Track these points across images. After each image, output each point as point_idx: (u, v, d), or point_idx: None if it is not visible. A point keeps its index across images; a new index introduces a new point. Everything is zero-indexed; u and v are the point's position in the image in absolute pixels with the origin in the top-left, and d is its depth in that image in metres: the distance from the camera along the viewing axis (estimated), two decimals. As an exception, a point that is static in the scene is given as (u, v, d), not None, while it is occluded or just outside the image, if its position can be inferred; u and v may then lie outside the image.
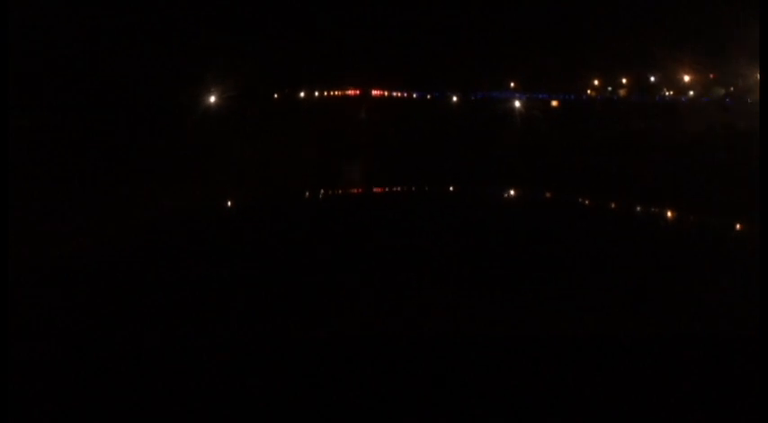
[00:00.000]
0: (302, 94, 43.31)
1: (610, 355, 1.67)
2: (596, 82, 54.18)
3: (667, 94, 47.09)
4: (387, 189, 5.54)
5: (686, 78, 45.06)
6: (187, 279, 2.25)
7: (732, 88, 40.81)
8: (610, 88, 53.76)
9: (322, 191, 5.10)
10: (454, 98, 45.76)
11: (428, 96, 49.79)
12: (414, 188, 5.40)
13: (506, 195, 4.72)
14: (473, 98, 46.33)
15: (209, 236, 3.06)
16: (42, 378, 1.55)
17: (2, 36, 2.94)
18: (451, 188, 5.38)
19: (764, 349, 1.59)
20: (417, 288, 2.15)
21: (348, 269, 2.39)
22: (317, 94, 45.64)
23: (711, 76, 44.51)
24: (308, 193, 4.80)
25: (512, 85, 48.78)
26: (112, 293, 2.13)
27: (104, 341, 1.76)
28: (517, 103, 37.59)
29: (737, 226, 3.26)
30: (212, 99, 27.93)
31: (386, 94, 50.82)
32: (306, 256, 2.57)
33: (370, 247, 2.73)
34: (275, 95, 39.99)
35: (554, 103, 44.12)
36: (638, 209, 4.05)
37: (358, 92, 47.67)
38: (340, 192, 5.58)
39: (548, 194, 5.00)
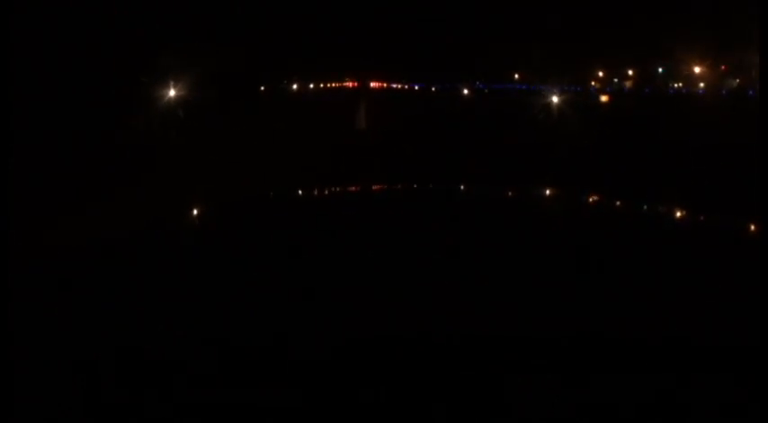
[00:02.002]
0: (295, 87, 40.89)
1: (611, 355, 1.67)
2: (600, 73, 53.44)
3: (676, 86, 45.95)
4: (389, 187, 5.27)
5: (696, 69, 44.14)
6: (188, 279, 2.28)
7: (738, 80, 39.85)
8: (615, 80, 52.78)
9: (317, 192, 4.97)
10: (465, 91, 44.16)
11: (432, 88, 48.11)
12: (415, 187, 5.18)
13: (511, 194, 4.56)
14: (483, 89, 44.86)
15: (216, 236, 3.06)
16: (42, 377, 1.56)
17: (2, 36, 3.01)
18: (461, 187, 5.14)
19: (765, 350, 1.59)
20: (418, 289, 2.14)
21: (352, 270, 2.36)
22: (311, 85, 43.47)
23: (723, 67, 43.64)
24: (305, 196, 4.65)
25: (516, 76, 47.57)
26: (112, 294, 2.12)
27: (104, 341, 1.76)
28: (554, 98, 33.39)
29: (743, 227, 3.17)
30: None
31: (385, 85, 49.30)
32: (311, 258, 2.52)
33: (373, 247, 2.70)
34: (261, 88, 37.45)
35: (603, 98, 41.14)
36: (646, 209, 3.96)
37: (356, 84, 46.03)
38: (338, 190, 5.28)
39: (557, 195, 4.74)
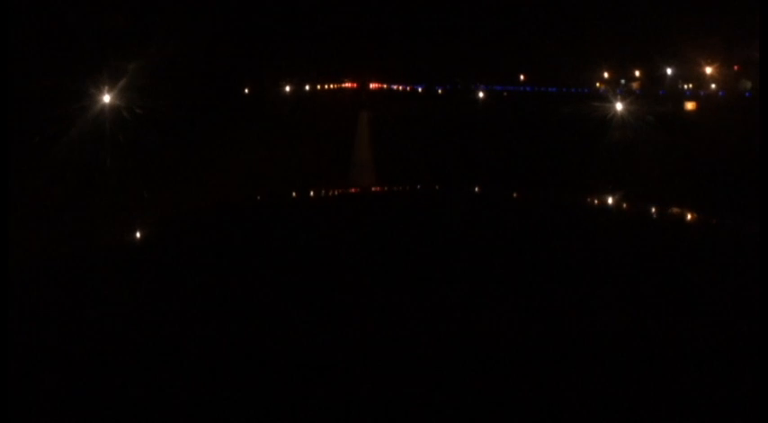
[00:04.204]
0: (287, 89, 38.77)
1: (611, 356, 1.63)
2: (606, 74, 53.12)
3: (687, 87, 44.99)
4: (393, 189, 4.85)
5: (708, 70, 43.48)
6: (190, 282, 2.17)
7: (750, 83, 39.06)
8: (623, 81, 52.17)
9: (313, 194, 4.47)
10: (480, 94, 42.90)
11: (439, 91, 46.73)
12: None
13: (515, 195, 4.25)
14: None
15: (214, 239, 2.80)
16: (42, 377, 1.54)
17: (2, 36, 2.68)
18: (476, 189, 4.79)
19: (765, 349, 1.62)
20: (418, 291, 2.04)
21: (352, 272, 2.24)
22: (307, 88, 41.55)
23: (736, 67, 42.89)
24: (307, 199, 4.17)
25: (521, 77, 46.50)
26: (112, 294, 2.08)
27: (104, 340, 1.74)
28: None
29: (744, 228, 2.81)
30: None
31: (385, 86, 47.90)
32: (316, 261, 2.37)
33: (379, 251, 2.51)
34: (246, 90, 35.31)
35: (690, 105, 35.42)
36: (652, 210, 3.55)
37: (355, 85, 44.51)
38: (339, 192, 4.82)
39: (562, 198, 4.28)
